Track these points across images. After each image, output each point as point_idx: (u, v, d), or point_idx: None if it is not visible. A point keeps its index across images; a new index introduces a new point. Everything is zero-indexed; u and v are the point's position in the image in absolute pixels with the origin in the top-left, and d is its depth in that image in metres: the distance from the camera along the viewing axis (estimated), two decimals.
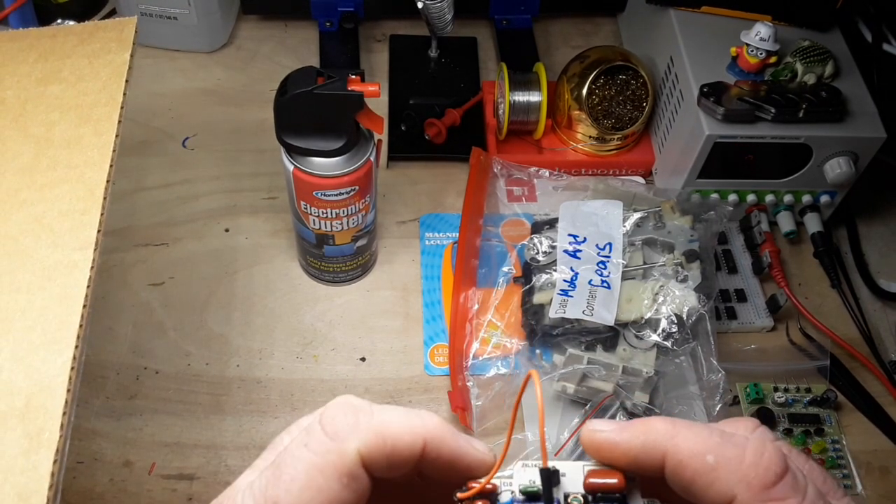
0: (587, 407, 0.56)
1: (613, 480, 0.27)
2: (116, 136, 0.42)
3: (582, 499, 0.27)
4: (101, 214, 0.39)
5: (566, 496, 0.27)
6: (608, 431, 0.27)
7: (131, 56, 0.46)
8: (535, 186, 0.71)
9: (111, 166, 0.41)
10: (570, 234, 0.61)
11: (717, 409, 0.56)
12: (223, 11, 0.78)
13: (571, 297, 0.58)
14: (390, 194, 0.71)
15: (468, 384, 0.59)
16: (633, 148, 0.73)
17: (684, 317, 0.57)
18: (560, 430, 0.57)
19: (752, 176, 0.66)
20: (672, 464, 0.26)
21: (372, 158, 0.56)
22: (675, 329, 0.56)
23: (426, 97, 0.76)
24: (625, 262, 0.59)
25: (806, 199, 0.68)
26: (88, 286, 0.37)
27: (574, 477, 0.28)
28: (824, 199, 0.68)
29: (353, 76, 0.52)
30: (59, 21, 0.52)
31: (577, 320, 0.57)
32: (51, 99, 0.44)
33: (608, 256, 0.60)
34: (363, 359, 0.61)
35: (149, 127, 0.74)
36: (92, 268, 0.37)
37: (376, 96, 0.52)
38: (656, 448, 0.26)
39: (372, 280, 0.66)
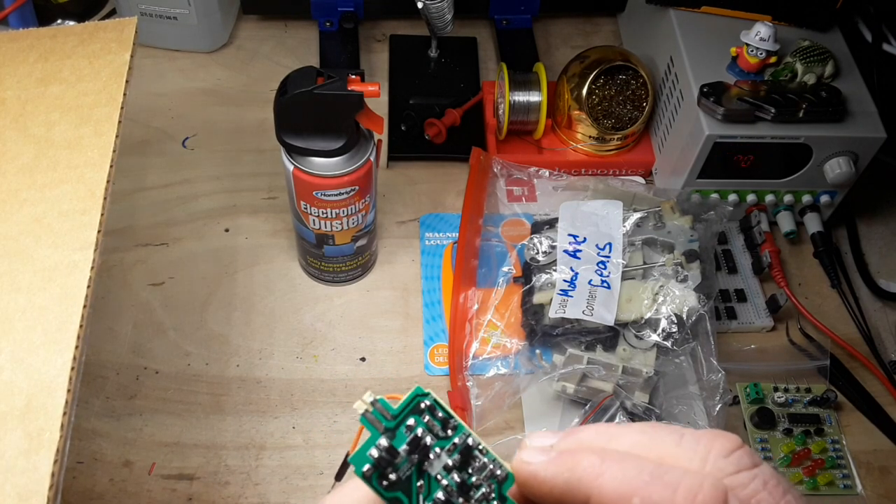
0: (587, 407, 0.56)
1: None
2: (116, 136, 0.42)
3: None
4: (102, 215, 0.39)
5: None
6: (535, 464, 0.26)
7: (131, 56, 0.46)
8: (535, 186, 0.71)
9: (111, 166, 0.41)
10: (570, 234, 0.61)
11: (717, 408, 0.56)
12: (223, 11, 0.78)
13: (571, 297, 0.58)
14: (390, 194, 0.71)
15: (468, 384, 0.59)
16: (633, 148, 0.73)
17: (684, 317, 0.57)
18: (560, 430, 0.57)
19: (752, 176, 0.66)
20: None
21: (372, 158, 0.56)
22: (674, 329, 0.56)
23: (426, 97, 0.76)
24: (625, 262, 0.59)
25: (806, 199, 0.68)
26: (89, 286, 0.37)
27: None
28: (824, 199, 0.68)
29: (353, 76, 0.52)
30: (59, 21, 0.52)
31: (577, 320, 0.57)
32: (51, 99, 0.44)
33: (608, 256, 0.60)
34: (363, 359, 0.61)
35: (149, 127, 0.74)
36: (92, 268, 0.38)
37: (376, 96, 0.52)
38: (580, 489, 0.24)
39: (372, 280, 0.66)
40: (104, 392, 0.58)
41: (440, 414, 0.28)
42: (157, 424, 0.57)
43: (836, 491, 0.57)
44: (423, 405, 0.28)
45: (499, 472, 0.27)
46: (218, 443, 0.56)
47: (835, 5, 0.67)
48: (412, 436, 0.27)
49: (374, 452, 0.26)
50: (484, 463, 0.27)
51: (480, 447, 0.27)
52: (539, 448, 0.26)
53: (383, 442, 0.27)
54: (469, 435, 0.27)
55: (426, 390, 0.28)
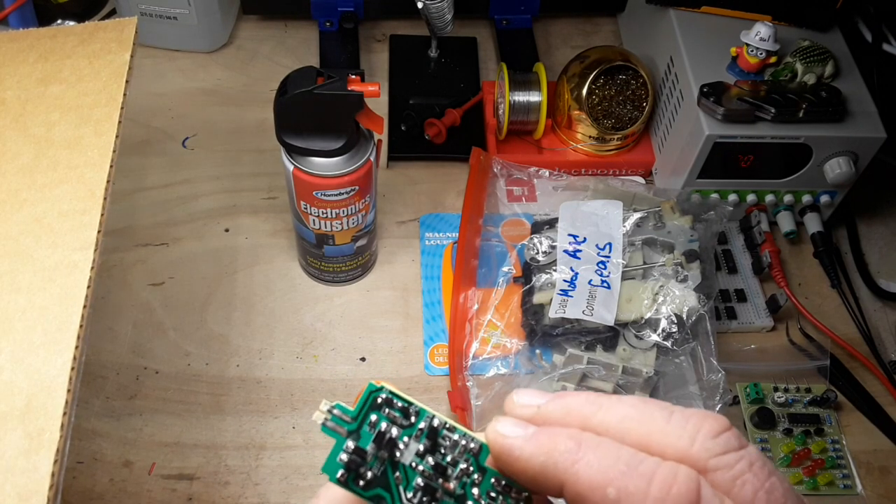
0: None
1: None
2: (116, 136, 0.42)
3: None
4: (102, 215, 0.39)
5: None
6: (511, 439, 0.25)
7: (131, 56, 0.46)
8: (535, 186, 0.71)
9: (111, 166, 0.41)
10: (570, 234, 0.61)
11: (717, 408, 0.56)
12: (223, 11, 0.78)
13: (571, 297, 0.58)
14: (390, 194, 0.71)
15: (468, 384, 0.59)
16: (633, 148, 0.73)
17: (684, 317, 0.57)
18: None
19: (752, 176, 0.66)
20: (571, 494, 0.24)
21: (372, 158, 0.56)
22: (674, 329, 0.56)
23: (426, 97, 0.76)
24: (625, 262, 0.59)
25: (806, 199, 0.68)
26: (89, 286, 0.37)
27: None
28: (824, 199, 0.68)
29: (353, 76, 0.52)
30: (59, 21, 0.52)
31: (577, 320, 0.57)
32: (51, 99, 0.44)
33: (608, 256, 0.60)
34: (363, 359, 0.61)
35: (149, 127, 0.74)
36: (92, 268, 0.38)
37: (376, 96, 0.52)
38: (556, 475, 0.24)
39: (372, 280, 0.66)
40: (104, 392, 0.58)
41: (399, 404, 0.28)
42: (157, 424, 0.57)
43: (836, 491, 0.57)
44: (380, 399, 0.28)
45: (472, 445, 0.27)
46: (218, 443, 0.56)
47: (835, 5, 0.67)
48: (376, 432, 0.27)
49: (344, 457, 0.26)
50: (455, 440, 0.27)
51: (447, 425, 0.28)
52: (517, 421, 0.26)
53: (350, 444, 0.27)
54: (433, 417, 0.28)
55: (379, 384, 0.28)
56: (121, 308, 0.62)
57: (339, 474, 0.26)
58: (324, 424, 0.27)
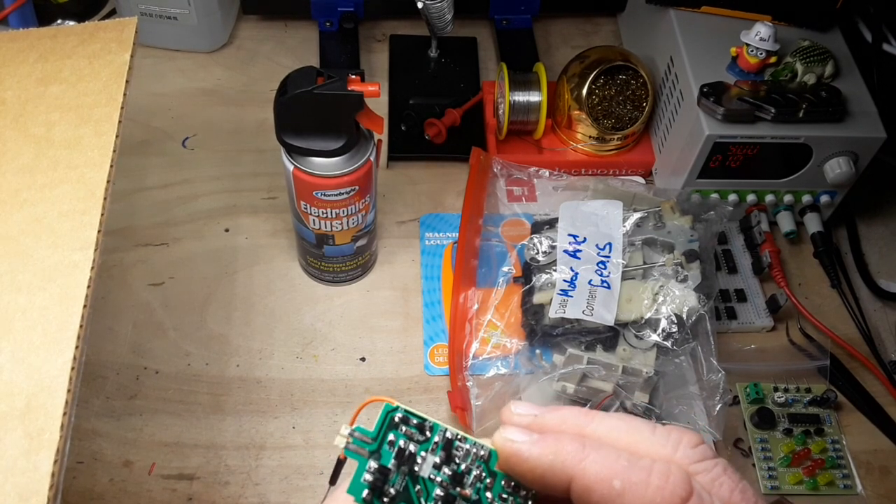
0: (587, 407, 0.56)
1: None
2: (117, 136, 0.42)
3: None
4: (102, 215, 0.39)
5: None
6: (519, 443, 0.28)
7: (131, 56, 0.46)
8: (535, 186, 0.71)
9: (111, 166, 0.41)
10: (569, 234, 0.61)
11: (717, 408, 0.56)
12: (223, 11, 0.78)
13: (571, 297, 0.58)
14: (390, 194, 0.71)
15: (468, 384, 0.59)
16: (633, 148, 0.73)
17: (684, 317, 0.57)
18: None
19: (752, 176, 0.66)
20: (579, 488, 0.27)
21: (372, 158, 0.56)
22: (674, 329, 0.56)
23: (426, 97, 0.76)
24: (625, 262, 0.59)
25: (806, 199, 0.68)
26: (89, 286, 0.37)
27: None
28: (824, 199, 0.68)
29: (353, 76, 0.52)
30: (59, 21, 0.52)
31: (577, 320, 0.57)
32: (51, 99, 0.44)
33: (608, 256, 0.60)
34: (363, 359, 0.61)
35: (149, 127, 0.74)
36: (92, 268, 0.38)
37: (376, 96, 0.52)
38: (564, 471, 0.27)
39: (372, 280, 0.66)
40: (104, 392, 0.58)
41: (414, 421, 0.29)
42: (157, 424, 0.57)
43: (836, 491, 0.57)
44: (396, 418, 0.29)
45: (482, 452, 0.29)
46: (218, 443, 0.56)
47: (835, 5, 0.67)
48: (396, 449, 0.29)
49: (368, 477, 0.28)
50: (466, 450, 0.29)
51: (459, 436, 0.29)
52: (522, 428, 0.29)
53: (373, 464, 0.28)
54: (445, 430, 0.29)
55: (394, 404, 0.29)
56: (121, 308, 0.62)
57: (364, 494, 0.28)
58: (347, 448, 0.28)
